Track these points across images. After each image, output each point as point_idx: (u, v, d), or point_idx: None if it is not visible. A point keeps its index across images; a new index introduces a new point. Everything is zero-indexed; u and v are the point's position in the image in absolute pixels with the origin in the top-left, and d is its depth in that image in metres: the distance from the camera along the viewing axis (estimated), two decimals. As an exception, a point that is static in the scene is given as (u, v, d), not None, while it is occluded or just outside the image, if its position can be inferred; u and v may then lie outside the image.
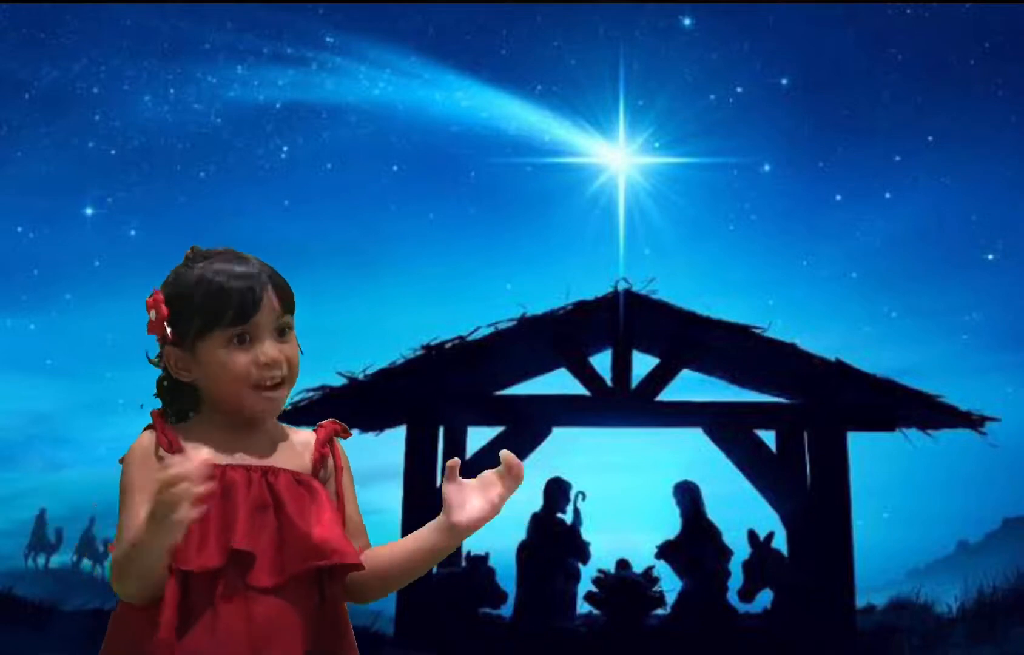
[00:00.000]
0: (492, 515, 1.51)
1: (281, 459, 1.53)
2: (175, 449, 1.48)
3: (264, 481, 1.48)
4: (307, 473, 1.54)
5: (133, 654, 1.42)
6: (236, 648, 1.40)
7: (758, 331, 7.84)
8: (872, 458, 9.28)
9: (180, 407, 1.57)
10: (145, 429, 1.54)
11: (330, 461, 1.58)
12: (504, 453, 1.53)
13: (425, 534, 1.53)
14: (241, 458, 1.51)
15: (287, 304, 1.55)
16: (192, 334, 1.50)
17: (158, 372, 1.58)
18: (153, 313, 1.52)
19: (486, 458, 8.17)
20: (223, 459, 1.48)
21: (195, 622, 1.40)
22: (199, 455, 1.31)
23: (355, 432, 8.54)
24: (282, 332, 1.54)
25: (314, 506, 1.50)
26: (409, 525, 7.79)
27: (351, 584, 1.54)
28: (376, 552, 1.57)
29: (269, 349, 1.51)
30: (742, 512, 8.71)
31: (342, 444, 1.62)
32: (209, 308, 1.49)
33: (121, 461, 1.52)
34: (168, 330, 1.51)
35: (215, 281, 1.49)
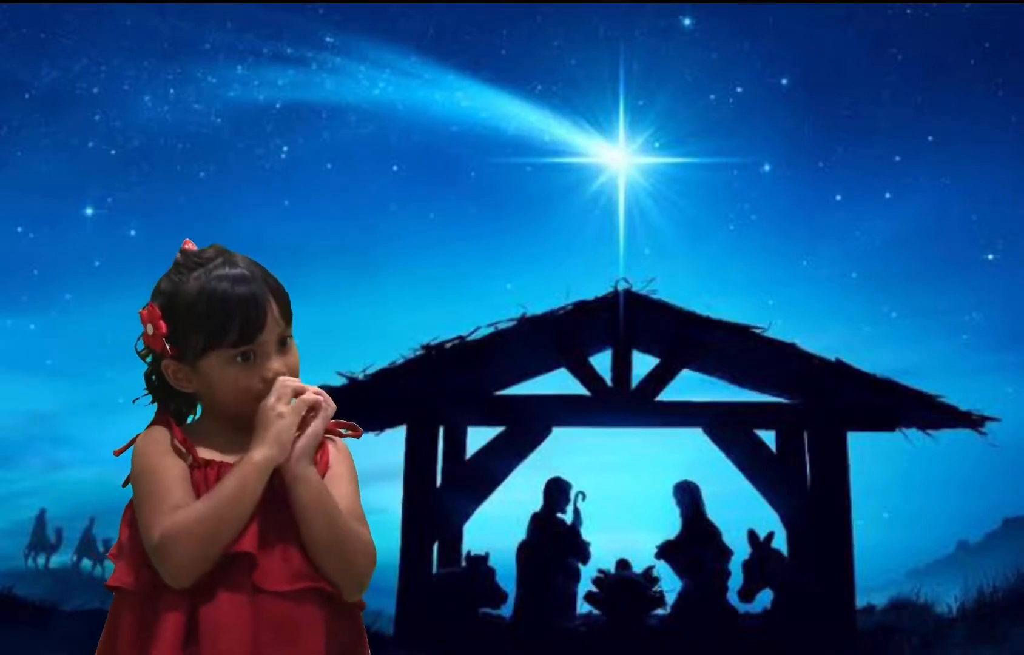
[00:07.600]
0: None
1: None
2: (188, 448, 1.46)
3: (270, 482, 1.44)
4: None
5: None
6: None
7: (758, 331, 7.84)
8: (872, 458, 9.30)
9: (177, 408, 1.55)
10: (152, 424, 1.51)
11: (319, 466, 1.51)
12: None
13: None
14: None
15: (287, 315, 1.53)
16: (194, 351, 1.47)
17: (145, 367, 1.54)
18: (150, 327, 1.48)
19: (486, 458, 8.18)
20: (228, 458, 1.46)
21: (197, 628, 1.37)
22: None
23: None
24: (283, 342, 1.52)
25: None
26: (409, 525, 7.80)
27: None
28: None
29: (275, 365, 1.49)
30: (742, 512, 8.72)
31: (347, 442, 1.58)
32: (212, 326, 1.45)
33: (136, 444, 1.47)
34: (167, 346, 1.48)
35: (216, 297, 1.45)
